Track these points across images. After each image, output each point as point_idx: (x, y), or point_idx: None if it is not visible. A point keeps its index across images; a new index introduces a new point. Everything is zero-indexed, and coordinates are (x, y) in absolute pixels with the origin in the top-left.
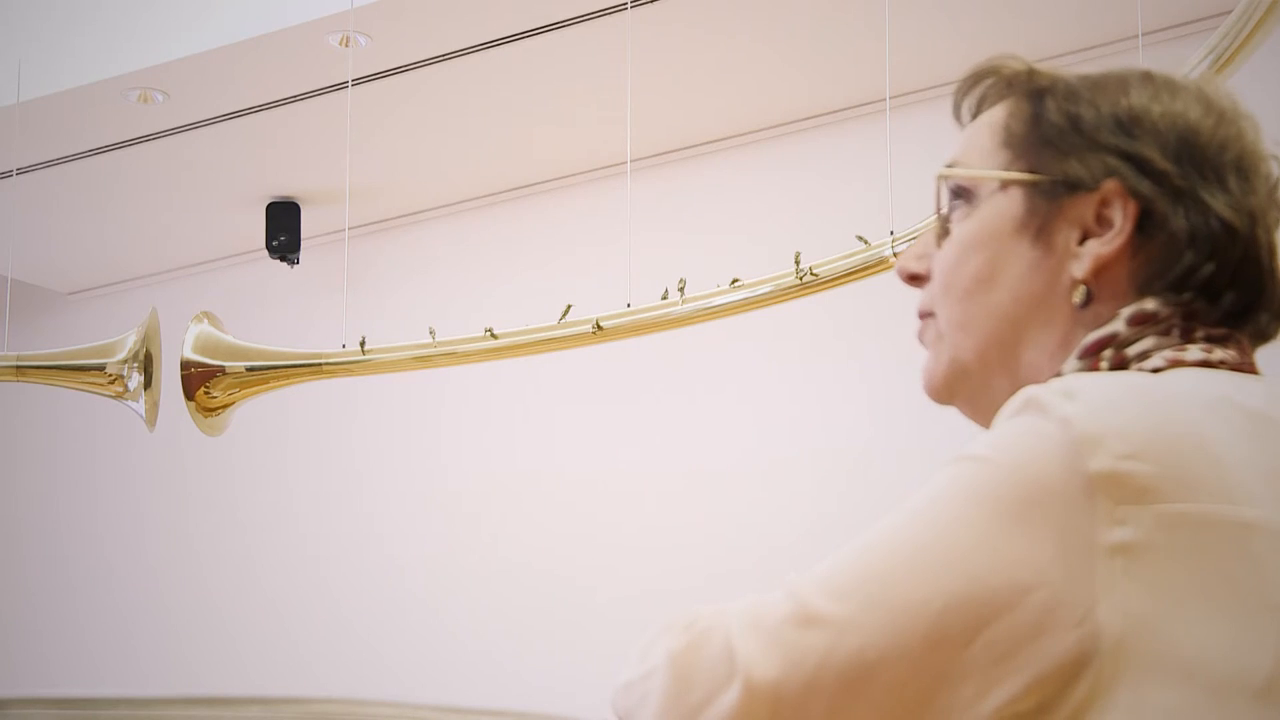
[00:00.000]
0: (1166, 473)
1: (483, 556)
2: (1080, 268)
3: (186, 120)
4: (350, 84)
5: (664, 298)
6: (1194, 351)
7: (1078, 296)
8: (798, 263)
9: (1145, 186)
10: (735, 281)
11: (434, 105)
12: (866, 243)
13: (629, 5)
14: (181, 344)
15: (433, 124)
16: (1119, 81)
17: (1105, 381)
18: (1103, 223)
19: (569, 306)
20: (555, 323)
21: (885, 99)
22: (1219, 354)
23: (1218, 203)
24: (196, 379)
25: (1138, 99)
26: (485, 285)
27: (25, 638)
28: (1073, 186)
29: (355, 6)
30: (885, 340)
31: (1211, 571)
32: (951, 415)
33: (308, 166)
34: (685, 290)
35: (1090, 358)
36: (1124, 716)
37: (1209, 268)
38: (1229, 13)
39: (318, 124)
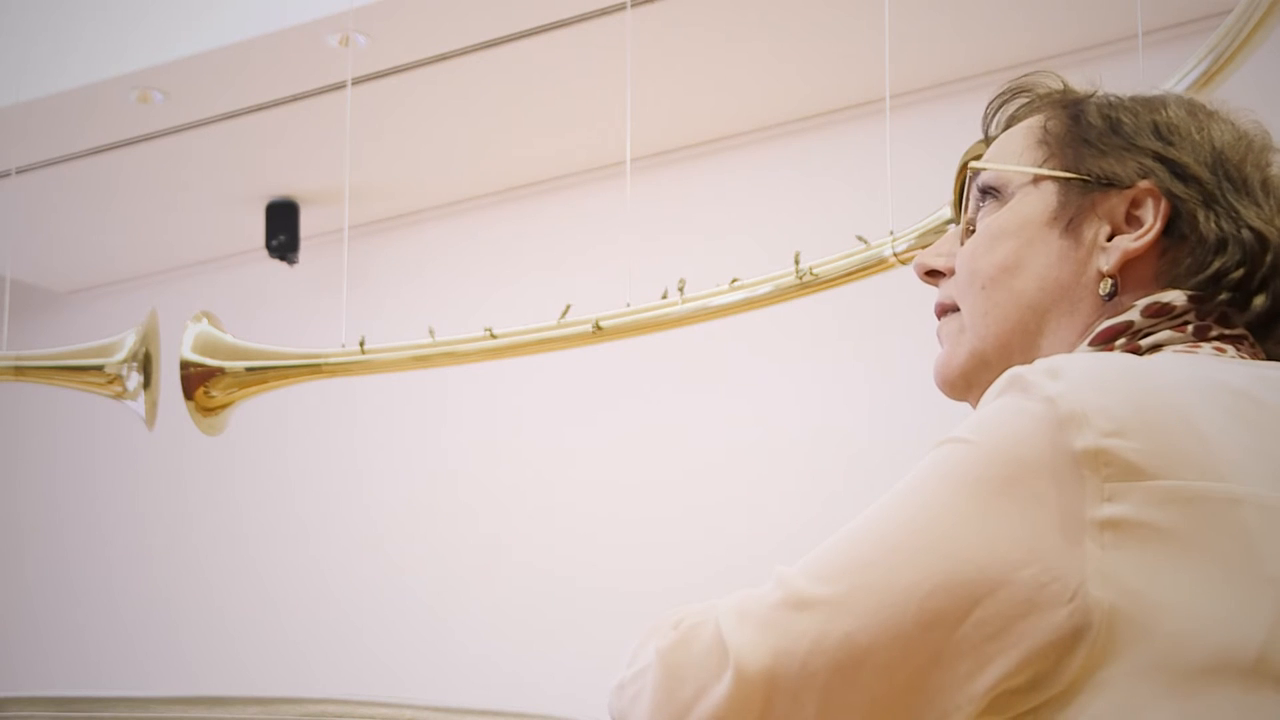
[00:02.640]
0: (1153, 450)
1: (483, 556)
2: (1108, 261)
3: (186, 120)
4: (350, 84)
5: (664, 298)
6: (1206, 349)
7: (1104, 288)
8: (797, 263)
9: (1179, 189)
10: (735, 281)
11: (434, 105)
12: (866, 243)
13: (629, 5)
14: (180, 344)
15: (432, 124)
16: (1158, 99)
17: (1090, 360)
18: (1132, 221)
19: (568, 306)
20: (555, 322)
21: (885, 99)
22: (1231, 353)
23: (1249, 213)
24: (196, 379)
25: (1175, 114)
26: (485, 285)
27: (25, 638)
28: (1107, 184)
29: (355, 6)
30: (886, 340)
31: (1202, 547)
32: (952, 415)
33: (307, 166)
34: (685, 290)
35: (1103, 344)
36: (1117, 691)
37: (1239, 273)
38: (1229, 13)
39: (317, 124)
